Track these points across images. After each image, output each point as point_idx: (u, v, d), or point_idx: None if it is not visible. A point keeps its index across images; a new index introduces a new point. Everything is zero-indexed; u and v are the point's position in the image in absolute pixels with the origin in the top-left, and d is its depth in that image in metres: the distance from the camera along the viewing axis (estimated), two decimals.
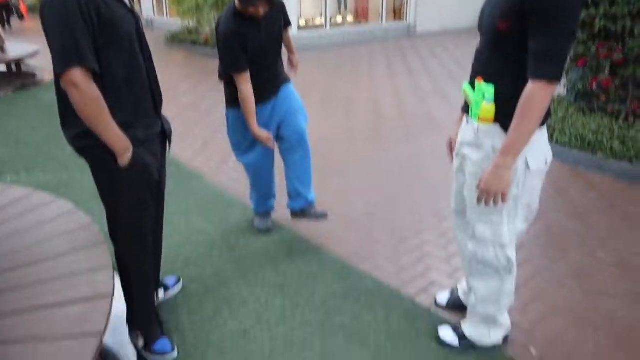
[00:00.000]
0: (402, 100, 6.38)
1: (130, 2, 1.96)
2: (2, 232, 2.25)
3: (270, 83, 2.83)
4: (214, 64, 8.82)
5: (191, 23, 11.11)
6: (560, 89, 5.30)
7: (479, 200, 1.83)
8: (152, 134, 2.02)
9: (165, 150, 2.20)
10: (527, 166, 1.81)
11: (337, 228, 3.25)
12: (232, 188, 3.85)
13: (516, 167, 1.80)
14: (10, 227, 2.29)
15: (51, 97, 6.73)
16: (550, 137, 4.65)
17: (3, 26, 15.11)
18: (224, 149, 4.71)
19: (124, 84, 1.88)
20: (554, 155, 4.52)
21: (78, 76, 1.68)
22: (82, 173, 4.12)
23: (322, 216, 3.08)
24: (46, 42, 1.72)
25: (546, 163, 1.85)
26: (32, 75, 8.35)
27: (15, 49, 8.46)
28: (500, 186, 1.75)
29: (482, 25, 1.89)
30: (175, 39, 10.97)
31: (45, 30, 1.72)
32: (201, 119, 5.71)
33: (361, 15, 11.77)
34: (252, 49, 2.65)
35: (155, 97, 2.05)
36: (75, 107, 1.74)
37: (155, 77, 2.06)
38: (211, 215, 3.43)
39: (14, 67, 8.33)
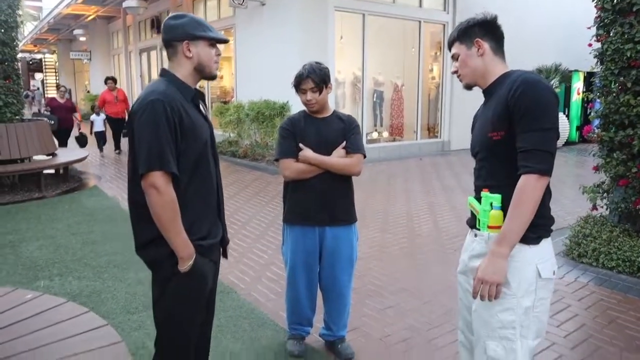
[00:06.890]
0: (437, 216, 6.33)
1: (205, 110, 2.10)
2: (26, 345, 2.17)
3: None
4: (252, 176, 9.06)
5: (232, 135, 11.62)
6: (602, 209, 5.15)
7: (474, 292, 1.81)
8: (215, 243, 2.06)
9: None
10: (539, 275, 1.81)
11: (374, 354, 3.07)
12: (265, 306, 3.73)
13: (526, 277, 1.81)
14: (36, 339, 2.22)
15: (93, 202, 6.95)
16: (596, 261, 4.45)
17: (101, 150, 12.28)
18: (259, 263, 4.66)
19: (197, 189, 1.96)
20: (601, 281, 4.36)
21: (159, 179, 1.79)
22: (115, 283, 4.10)
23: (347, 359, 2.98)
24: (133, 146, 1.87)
25: (554, 274, 1.88)
26: (78, 180, 8.71)
27: (65, 154, 8.93)
28: (495, 276, 1.76)
29: (474, 148, 2.03)
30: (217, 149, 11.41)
31: (134, 134, 1.86)
32: (238, 230, 5.73)
33: (396, 132, 12.12)
34: None
35: (220, 204, 2.13)
36: (151, 209, 1.82)
37: (221, 184, 2.14)
38: (242, 335, 3.29)
39: (61, 170, 8.68)
